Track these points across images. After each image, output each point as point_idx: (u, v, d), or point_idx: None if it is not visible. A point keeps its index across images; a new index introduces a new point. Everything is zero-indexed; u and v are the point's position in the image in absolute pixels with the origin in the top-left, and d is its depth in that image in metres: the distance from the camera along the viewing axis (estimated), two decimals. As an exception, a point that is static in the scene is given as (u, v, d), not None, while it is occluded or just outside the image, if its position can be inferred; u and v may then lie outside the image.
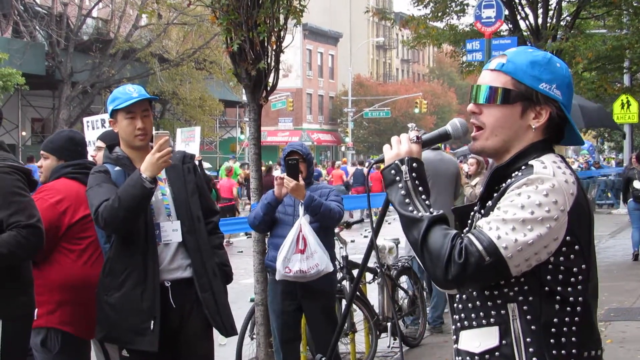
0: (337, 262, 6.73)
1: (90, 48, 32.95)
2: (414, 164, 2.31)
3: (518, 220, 2.11)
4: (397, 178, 2.29)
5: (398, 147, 2.36)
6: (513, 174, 2.24)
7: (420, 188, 2.27)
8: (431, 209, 2.23)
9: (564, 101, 2.27)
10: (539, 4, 16.04)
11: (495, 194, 2.26)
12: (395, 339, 7.36)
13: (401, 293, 8.14)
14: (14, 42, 30.42)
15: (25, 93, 30.37)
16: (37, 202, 4.26)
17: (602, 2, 17.09)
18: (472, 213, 2.40)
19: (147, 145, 4.23)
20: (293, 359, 6.09)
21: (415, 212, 2.22)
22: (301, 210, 5.69)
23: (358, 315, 7.16)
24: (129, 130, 4.17)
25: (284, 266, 5.61)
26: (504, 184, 2.25)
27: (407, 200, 2.25)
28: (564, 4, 17.37)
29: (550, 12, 16.26)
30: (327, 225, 5.82)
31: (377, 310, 7.36)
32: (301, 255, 5.59)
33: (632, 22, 18.48)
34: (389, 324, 7.36)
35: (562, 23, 16.82)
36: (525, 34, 16.29)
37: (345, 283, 6.89)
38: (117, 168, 4.18)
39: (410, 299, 8.12)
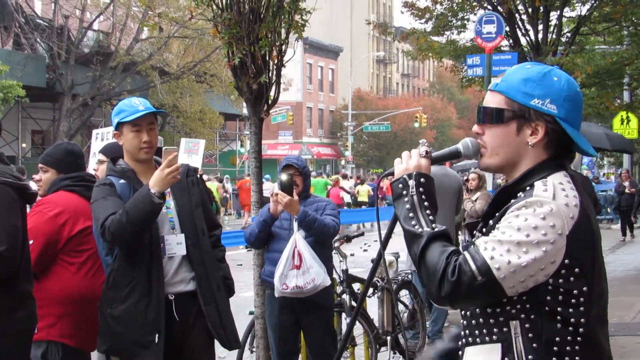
0: (336, 276, 6.73)
1: (91, 61, 33.04)
2: (422, 179, 2.32)
3: (513, 242, 2.10)
4: (404, 192, 2.31)
5: (407, 162, 2.37)
6: (518, 194, 2.23)
7: (426, 203, 2.28)
8: (434, 225, 2.23)
9: (561, 115, 2.22)
10: (540, 20, 16.09)
11: (497, 213, 2.25)
12: (395, 353, 7.35)
13: (401, 307, 8.13)
14: (14, 54, 30.54)
15: (25, 105, 30.42)
16: (35, 216, 4.25)
17: (602, 17, 17.14)
18: (474, 231, 2.39)
19: (152, 158, 4.25)
20: (292, 373, 6.07)
21: (417, 227, 2.24)
22: (295, 225, 5.66)
23: (358, 329, 7.13)
24: (134, 143, 4.15)
25: (281, 282, 5.58)
26: (508, 204, 2.23)
27: (411, 215, 2.26)
28: (564, 20, 17.42)
29: (551, 28, 16.30)
30: (322, 239, 5.78)
31: (376, 324, 7.35)
32: (297, 271, 5.56)
33: (632, 38, 18.54)
34: (388, 338, 7.35)
35: (562, 39, 16.86)
36: (525, 49, 16.34)
37: (345, 297, 6.87)
38: (122, 181, 4.15)
39: (410, 313, 8.11)
